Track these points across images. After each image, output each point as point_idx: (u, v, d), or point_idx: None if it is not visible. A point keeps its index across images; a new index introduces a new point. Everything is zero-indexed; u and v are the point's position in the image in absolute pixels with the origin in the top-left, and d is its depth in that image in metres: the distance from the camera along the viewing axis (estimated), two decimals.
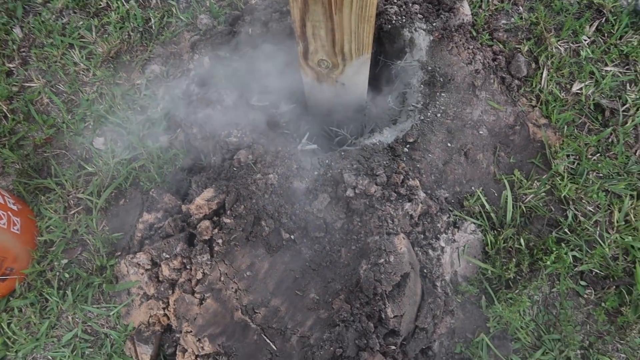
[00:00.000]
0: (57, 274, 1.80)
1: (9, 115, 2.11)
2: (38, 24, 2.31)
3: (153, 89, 2.11)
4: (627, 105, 1.97)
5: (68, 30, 2.30)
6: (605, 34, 2.14)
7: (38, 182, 1.95)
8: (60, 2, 2.37)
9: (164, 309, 1.63)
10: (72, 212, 1.91)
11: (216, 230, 1.55)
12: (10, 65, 2.25)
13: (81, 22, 2.33)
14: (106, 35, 2.28)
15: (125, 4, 2.36)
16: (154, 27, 2.29)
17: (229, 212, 1.56)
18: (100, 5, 2.37)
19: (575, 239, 1.74)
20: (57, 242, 1.84)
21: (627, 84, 2.03)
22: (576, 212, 1.80)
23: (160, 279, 1.62)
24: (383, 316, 1.41)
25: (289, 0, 1.37)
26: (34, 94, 2.15)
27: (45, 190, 1.95)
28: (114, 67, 2.21)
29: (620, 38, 2.11)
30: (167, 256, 1.59)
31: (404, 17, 2.00)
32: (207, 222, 1.56)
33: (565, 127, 1.94)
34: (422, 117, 1.82)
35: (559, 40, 2.11)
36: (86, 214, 1.89)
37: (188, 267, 1.58)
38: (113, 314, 1.69)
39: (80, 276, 1.79)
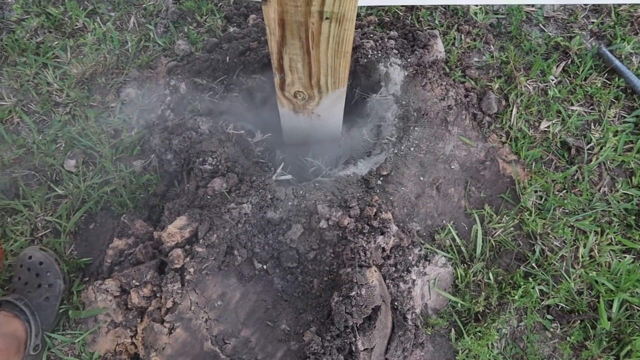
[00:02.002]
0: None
1: None
2: (11, 42, 2.28)
3: (127, 112, 2.09)
4: (592, 144, 2.05)
5: (42, 49, 2.28)
6: (571, 75, 2.23)
7: (5, 203, 1.90)
8: (35, 21, 2.35)
9: (131, 337, 1.59)
10: (40, 234, 1.86)
11: (188, 259, 1.54)
12: None
13: (56, 42, 2.31)
14: (81, 57, 2.26)
15: (102, 25, 2.36)
16: (130, 51, 2.29)
17: (201, 240, 1.55)
18: (77, 26, 2.36)
19: (542, 273, 1.78)
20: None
21: (592, 124, 2.11)
22: (543, 247, 1.85)
23: (129, 306, 1.60)
24: (353, 349, 1.41)
25: (267, 32, 1.40)
26: (4, 112, 2.11)
27: (12, 212, 1.90)
28: (88, 89, 2.19)
29: (585, 79, 2.20)
30: (137, 283, 1.57)
31: (379, 52, 2.05)
32: (178, 251, 1.55)
33: (534, 163, 2.00)
34: (395, 151, 1.86)
35: (528, 79, 2.18)
36: (54, 237, 1.85)
37: (158, 295, 1.56)
38: (78, 342, 1.64)
39: None
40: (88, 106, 2.13)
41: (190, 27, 2.35)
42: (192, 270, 1.52)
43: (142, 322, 1.56)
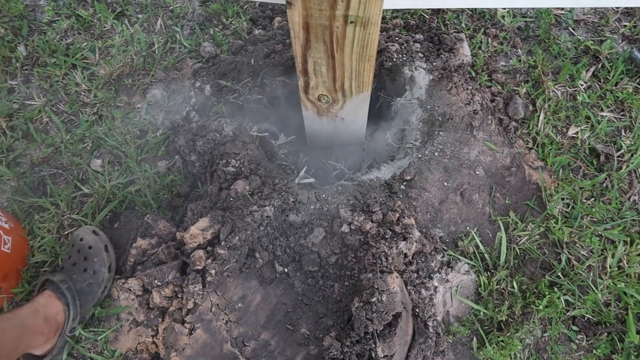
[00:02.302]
0: None
1: (7, 132, 2.11)
2: (42, 43, 2.33)
3: (153, 113, 2.11)
4: (622, 151, 2.00)
5: (72, 50, 2.32)
6: (602, 80, 2.17)
7: (33, 201, 1.94)
8: (65, 22, 2.40)
9: (152, 336, 1.61)
10: (66, 232, 1.89)
11: (209, 261, 1.54)
12: (13, 83, 2.26)
13: (85, 44, 2.35)
14: (109, 58, 2.30)
15: (129, 27, 2.39)
16: (157, 52, 2.31)
17: (223, 242, 1.56)
18: (105, 27, 2.40)
19: (568, 283, 1.75)
20: (49, 263, 1.83)
21: (622, 130, 2.05)
22: (570, 256, 1.81)
23: (151, 306, 1.61)
24: (373, 355, 1.40)
25: (291, 36, 1.39)
26: (34, 112, 2.16)
27: (39, 209, 1.94)
28: (115, 90, 2.22)
29: (616, 84, 2.15)
30: (159, 283, 1.58)
31: (404, 56, 2.03)
32: (200, 252, 1.55)
33: (561, 170, 1.96)
34: (419, 155, 1.84)
35: (556, 84, 2.14)
36: None
37: (179, 295, 1.57)
38: (101, 339, 1.66)
39: None
40: (115, 107, 2.16)
41: (216, 29, 2.37)
42: (213, 271, 1.53)
43: (163, 321, 1.57)
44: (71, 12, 2.44)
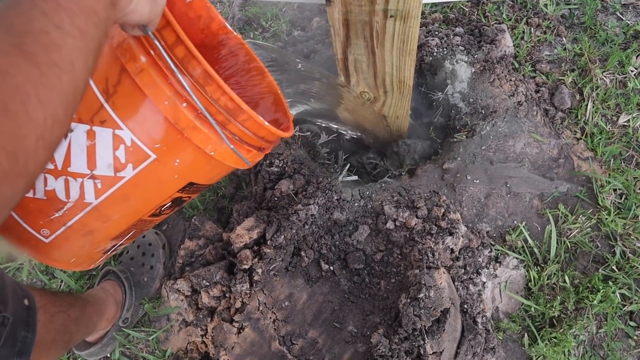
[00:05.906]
0: None
1: None
2: None
3: None
4: None
5: None
6: None
7: None
8: None
9: (202, 336, 1.64)
10: None
11: (256, 260, 1.56)
12: None
13: None
14: None
15: None
16: None
17: (269, 242, 1.57)
18: None
19: (623, 277, 1.68)
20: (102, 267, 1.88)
21: None
22: (624, 249, 1.74)
23: (200, 306, 1.64)
24: (422, 352, 1.39)
25: (331, 34, 1.40)
26: None
27: None
28: None
29: None
30: (207, 284, 1.61)
31: (445, 49, 2.01)
32: (247, 252, 1.57)
33: (612, 160, 1.89)
34: (463, 149, 1.81)
35: (604, 72, 2.07)
36: None
37: (227, 295, 1.59)
38: (152, 339, 1.71)
39: None
40: None
41: (255, 32, 2.40)
42: (260, 271, 1.55)
43: (212, 321, 1.60)
44: None
